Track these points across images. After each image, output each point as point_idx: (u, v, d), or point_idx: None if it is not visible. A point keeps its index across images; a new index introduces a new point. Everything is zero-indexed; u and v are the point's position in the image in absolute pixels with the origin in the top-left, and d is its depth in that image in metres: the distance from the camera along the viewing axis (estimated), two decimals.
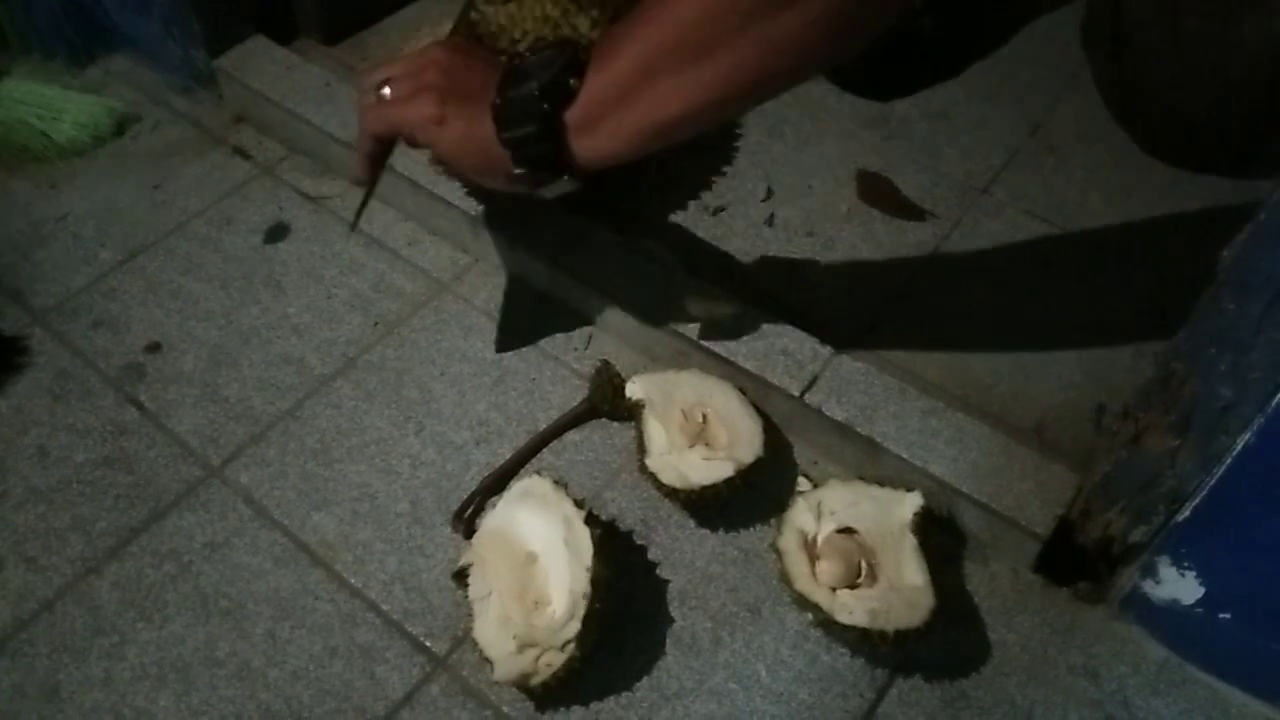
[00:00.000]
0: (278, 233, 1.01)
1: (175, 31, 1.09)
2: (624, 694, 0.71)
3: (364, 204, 0.79)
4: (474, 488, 0.81)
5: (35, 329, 0.92)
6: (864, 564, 0.73)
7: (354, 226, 0.83)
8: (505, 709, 0.71)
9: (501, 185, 0.70)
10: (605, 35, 0.66)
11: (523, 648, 0.67)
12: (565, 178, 0.67)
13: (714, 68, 0.59)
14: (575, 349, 0.91)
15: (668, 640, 0.74)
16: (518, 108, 0.65)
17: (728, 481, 0.77)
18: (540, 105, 0.64)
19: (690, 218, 0.95)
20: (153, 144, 1.10)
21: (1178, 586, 0.70)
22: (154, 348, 0.91)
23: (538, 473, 0.77)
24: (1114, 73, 1.06)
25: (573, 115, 0.65)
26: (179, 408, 0.87)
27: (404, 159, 0.97)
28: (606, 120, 0.64)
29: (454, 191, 0.95)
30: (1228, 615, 0.69)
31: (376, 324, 0.93)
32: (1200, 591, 0.69)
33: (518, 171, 0.67)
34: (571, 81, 0.64)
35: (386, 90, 0.71)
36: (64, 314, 0.93)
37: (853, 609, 0.70)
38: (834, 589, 0.72)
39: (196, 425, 0.86)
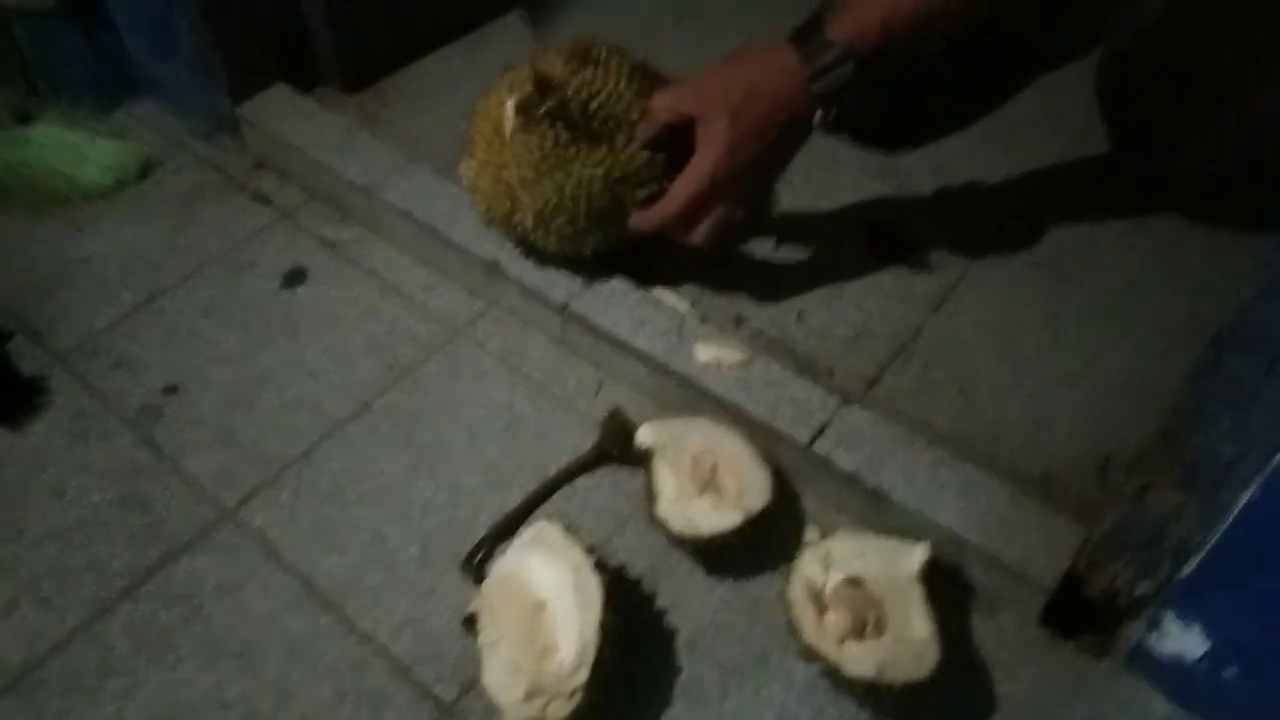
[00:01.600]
0: (295, 277, 1.02)
1: (199, 79, 1.11)
2: None
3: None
4: (484, 533, 0.82)
5: (56, 369, 0.94)
6: (871, 615, 0.73)
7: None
8: None
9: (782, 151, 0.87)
10: None
11: (531, 695, 0.67)
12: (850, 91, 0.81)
13: None
14: (586, 395, 0.92)
15: (675, 689, 0.74)
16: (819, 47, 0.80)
17: (736, 530, 0.77)
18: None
19: (700, 266, 0.97)
20: (175, 188, 1.12)
21: (1183, 640, 0.70)
22: (171, 389, 0.92)
23: (548, 519, 0.78)
24: (1128, 123, 1.07)
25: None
26: (194, 449, 0.88)
27: (424, 206, 0.99)
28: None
29: (469, 236, 0.97)
30: (1233, 669, 0.69)
31: (391, 368, 0.94)
32: (1205, 645, 0.69)
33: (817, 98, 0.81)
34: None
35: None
36: (84, 354, 0.95)
37: (860, 661, 0.70)
38: (842, 640, 0.72)
39: (211, 467, 0.87)
